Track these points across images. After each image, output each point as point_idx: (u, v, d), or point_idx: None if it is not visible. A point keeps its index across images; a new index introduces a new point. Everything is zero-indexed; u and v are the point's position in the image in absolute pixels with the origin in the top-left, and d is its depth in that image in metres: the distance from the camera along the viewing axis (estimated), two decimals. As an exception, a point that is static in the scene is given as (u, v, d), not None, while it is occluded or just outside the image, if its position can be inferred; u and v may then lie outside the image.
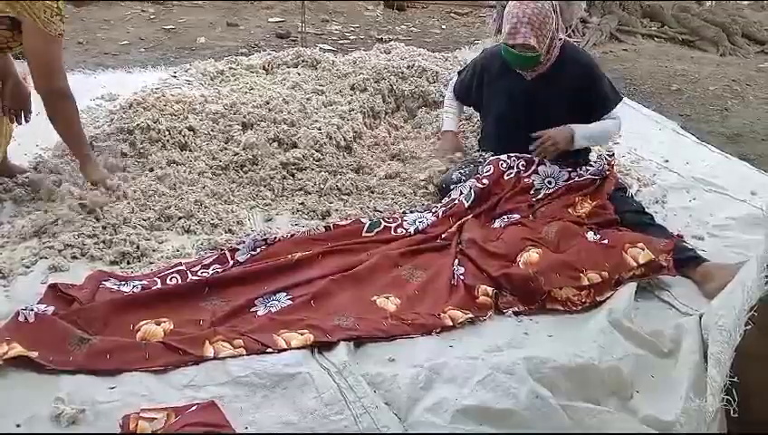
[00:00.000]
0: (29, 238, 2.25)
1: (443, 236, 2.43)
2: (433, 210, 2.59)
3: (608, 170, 2.61)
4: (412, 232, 2.45)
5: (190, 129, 2.97)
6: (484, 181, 2.58)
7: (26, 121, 2.66)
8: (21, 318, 1.74)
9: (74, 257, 2.19)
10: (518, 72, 2.67)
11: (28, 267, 2.11)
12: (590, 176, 2.59)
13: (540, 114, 2.65)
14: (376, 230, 2.45)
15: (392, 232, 2.46)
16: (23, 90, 2.62)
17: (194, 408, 1.54)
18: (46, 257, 2.15)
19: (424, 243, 2.40)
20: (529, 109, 2.67)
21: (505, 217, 2.48)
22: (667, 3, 8.52)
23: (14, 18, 2.27)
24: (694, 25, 7.91)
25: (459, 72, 3.13)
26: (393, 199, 2.79)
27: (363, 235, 2.42)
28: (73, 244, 2.22)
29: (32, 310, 1.76)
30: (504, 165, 2.63)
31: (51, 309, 1.80)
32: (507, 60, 2.63)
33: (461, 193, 2.58)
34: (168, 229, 2.43)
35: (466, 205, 2.54)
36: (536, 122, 2.65)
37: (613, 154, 2.79)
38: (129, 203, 2.44)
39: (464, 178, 2.68)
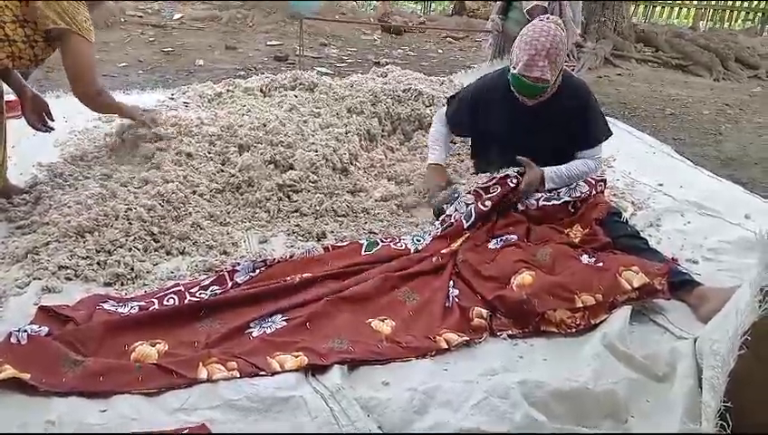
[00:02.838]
0: (23, 259, 2.25)
1: (442, 251, 2.44)
2: (431, 232, 2.60)
3: (592, 194, 2.63)
4: (412, 250, 2.47)
5: (188, 155, 2.97)
6: (487, 203, 2.60)
7: (51, 129, 2.85)
8: (13, 340, 1.73)
9: (68, 279, 2.19)
10: (519, 98, 2.68)
11: (21, 288, 2.11)
12: (566, 198, 2.62)
13: (537, 139, 2.67)
14: (375, 250, 2.46)
15: (392, 246, 2.48)
16: (40, 100, 2.79)
17: (185, 432, 1.53)
18: (40, 278, 2.15)
19: (421, 262, 2.40)
20: (527, 134, 2.68)
21: (502, 238, 2.48)
22: (661, 28, 8.64)
23: (49, 31, 2.44)
24: (687, 50, 8.02)
25: (449, 101, 3.07)
26: (388, 221, 2.80)
27: (362, 253, 2.44)
28: (67, 265, 2.22)
29: (24, 331, 1.75)
30: (514, 182, 2.64)
31: (45, 329, 1.80)
32: (516, 87, 2.61)
33: (463, 215, 2.59)
34: (162, 251, 2.43)
35: (465, 225, 2.55)
36: (533, 147, 2.67)
37: (604, 180, 2.79)
38: (125, 223, 2.44)
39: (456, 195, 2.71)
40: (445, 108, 3.06)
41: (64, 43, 2.50)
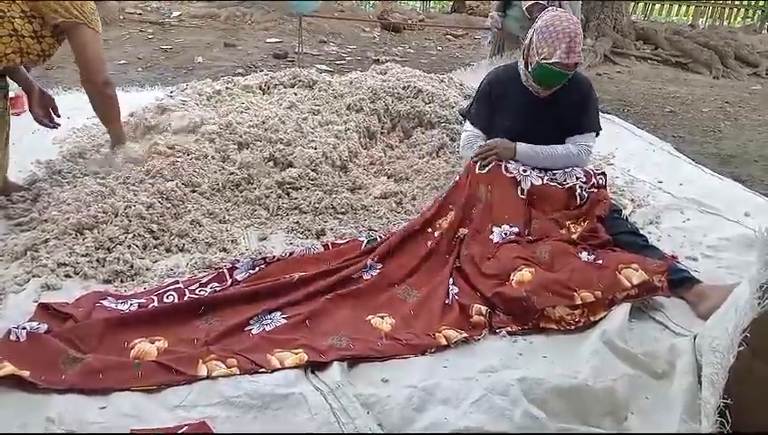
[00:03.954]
0: (22, 256, 2.25)
1: (435, 235, 2.48)
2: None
3: (593, 184, 2.63)
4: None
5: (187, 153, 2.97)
6: (457, 178, 2.66)
7: (58, 125, 2.88)
8: (12, 337, 1.73)
9: (67, 276, 2.18)
10: (529, 90, 2.68)
11: (21, 285, 2.10)
12: (561, 181, 2.63)
13: (545, 131, 2.68)
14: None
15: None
16: (47, 96, 2.82)
17: (184, 429, 1.53)
18: (39, 276, 2.14)
19: (413, 238, 2.46)
20: (536, 125, 2.69)
21: (504, 232, 2.48)
22: (661, 25, 8.63)
23: (57, 26, 2.46)
24: (687, 48, 8.02)
25: (466, 115, 3.02)
26: (388, 219, 2.80)
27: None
28: (67, 262, 2.21)
29: (24, 329, 1.75)
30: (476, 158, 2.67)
31: (44, 327, 1.80)
32: (542, 77, 2.60)
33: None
34: (162, 248, 2.42)
35: (443, 196, 2.62)
36: (542, 138, 2.68)
37: (604, 173, 2.78)
38: (124, 221, 2.43)
39: None
40: (466, 124, 2.98)
41: (72, 35, 2.51)
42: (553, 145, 2.72)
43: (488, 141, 2.69)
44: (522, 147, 2.66)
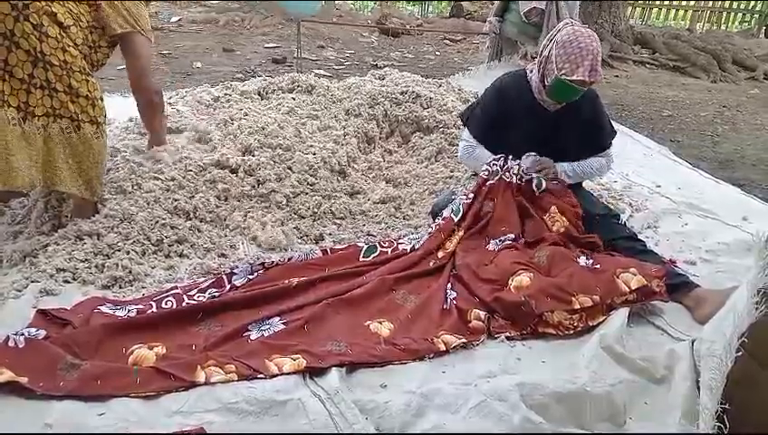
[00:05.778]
0: (20, 262, 2.24)
1: (439, 254, 2.45)
2: (427, 230, 2.61)
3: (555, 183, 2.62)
4: (408, 250, 2.48)
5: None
6: (470, 196, 2.61)
7: None
8: (11, 343, 1.73)
9: (66, 281, 2.18)
10: (545, 104, 2.66)
11: (19, 291, 2.10)
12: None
13: (557, 143, 2.67)
14: (372, 256, 2.46)
15: (389, 254, 2.48)
16: None
17: (183, 435, 1.53)
18: (38, 281, 2.14)
19: (418, 264, 2.41)
20: (548, 138, 2.67)
21: (499, 239, 2.48)
22: (659, 30, 8.65)
23: (115, 36, 2.48)
24: (685, 52, 8.03)
25: (465, 122, 2.89)
26: (386, 224, 2.80)
27: (360, 259, 2.43)
28: (65, 268, 2.21)
29: (22, 335, 1.75)
30: (486, 172, 2.63)
31: (42, 333, 1.80)
32: (559, 92, 2.55)
33: (451, 211, 2.61)
34: (160, 254, 2.42)
35: (455, 219, 2.56)
36: (554, 151, 2.67)
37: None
38: (124, 225, 2.43)
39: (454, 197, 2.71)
40: (465, 132, 2.87)
41: (128, 43, 2.53)
42: (587, 161, 2.74)
43: (540, 160, 2.63)
44: (561, 166, 2.67)
